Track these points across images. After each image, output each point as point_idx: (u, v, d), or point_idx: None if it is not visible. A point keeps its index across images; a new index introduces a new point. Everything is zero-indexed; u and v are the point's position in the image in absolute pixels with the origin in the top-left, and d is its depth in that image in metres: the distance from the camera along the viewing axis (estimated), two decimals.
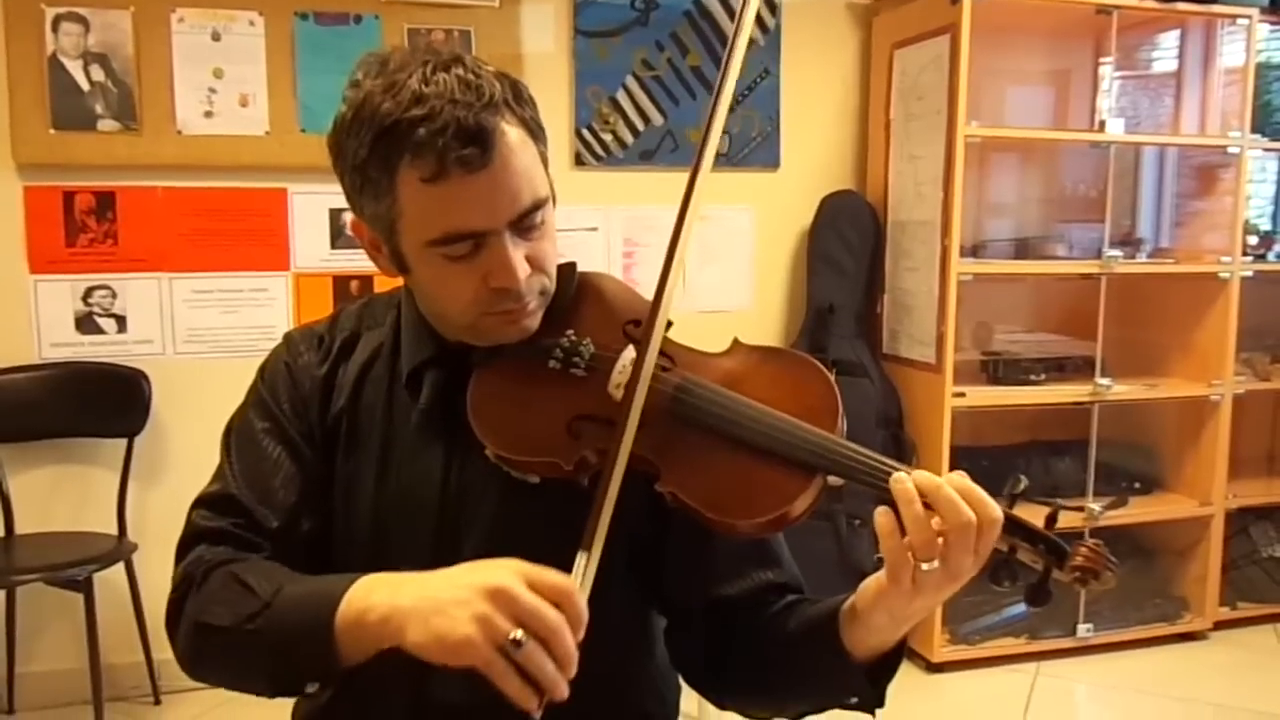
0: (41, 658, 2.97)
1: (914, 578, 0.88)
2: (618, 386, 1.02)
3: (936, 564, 0.87)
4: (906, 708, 2.94)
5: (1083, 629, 3.32)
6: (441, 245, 0.99)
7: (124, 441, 2.90)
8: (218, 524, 1.09)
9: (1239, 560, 3.61)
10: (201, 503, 1.13)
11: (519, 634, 0.84)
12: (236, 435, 1.15)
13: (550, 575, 0.88)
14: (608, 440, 0.98)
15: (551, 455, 1.00)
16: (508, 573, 0.88)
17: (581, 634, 0.87)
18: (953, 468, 0.92)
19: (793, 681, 1.05)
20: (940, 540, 0.87)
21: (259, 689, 1.01)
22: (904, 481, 0.89)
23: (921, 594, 0.89)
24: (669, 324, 1.11)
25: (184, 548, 1.11)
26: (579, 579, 0.90)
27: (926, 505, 0.88)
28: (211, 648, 1.03)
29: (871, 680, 0.98)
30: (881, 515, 0.89)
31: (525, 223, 1.01)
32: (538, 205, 1.01)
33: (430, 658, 0.88)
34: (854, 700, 1.00)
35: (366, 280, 3.08)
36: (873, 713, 1.01)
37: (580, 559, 0.91)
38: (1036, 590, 0.90)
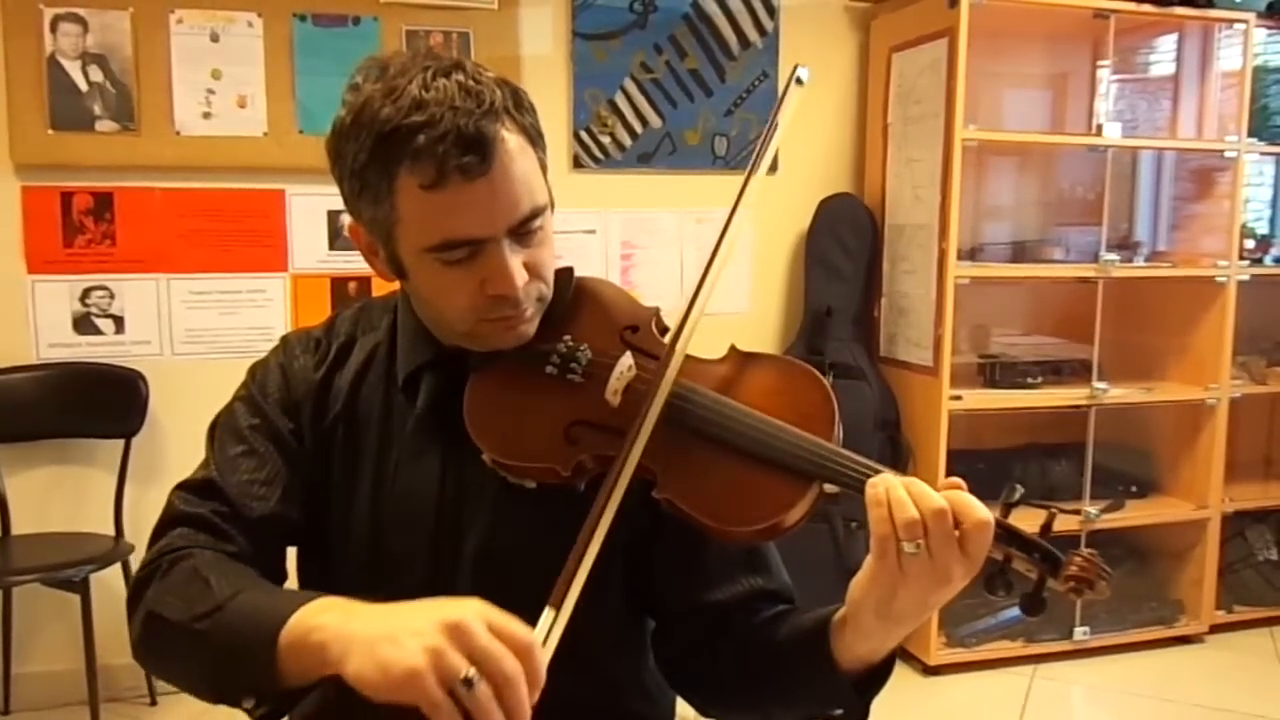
0: (38, 658, 2.97)
1: (899, 560, 0.87)
2: (615, 393, 1.02)
3: (920, 548, 0.86)
4: (903, 710, 2.95)
5: (1079, 632, 3.32)
6: (439, 252, 0.99)
7: (121, 442, 2.90)
8: (198, 510, 1.07)
9: (1235, 564, 3.62)
10: (184, 486, 1.11)
11: (472, 673, 0.77)
12: (222, 429, 1.14)
13: (515, 624, 0.81)
14: (605, 446, 0.98)
15: (548, 461, 1.00)
16: (471, 610, 0.81)
17: (538, 694, 0.80)
18: (949, 470, 0.93)
19: (780, 690, 1.04)
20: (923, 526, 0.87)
21: (202, 693, 0.96)
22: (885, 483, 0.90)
23: (908, 583, 0.88)
24: (664, 329, 1.11)
25: (161, 529, 1.08)
26: (543, 635, 0.84)
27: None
28: (160, 640, 0.99)
29: (859, 692, 0.97)
30: (871, 486, 0.89)
31: (523, 230, 1.01)
32: (536, 213, 1.01)
33: (369, 691, 0.80)
34: (839, 712, 0.99)
35: (364, 281, 3.08)
36: None
37: (547, 615, 0.86)
38: (1031, 599, 0.90)
